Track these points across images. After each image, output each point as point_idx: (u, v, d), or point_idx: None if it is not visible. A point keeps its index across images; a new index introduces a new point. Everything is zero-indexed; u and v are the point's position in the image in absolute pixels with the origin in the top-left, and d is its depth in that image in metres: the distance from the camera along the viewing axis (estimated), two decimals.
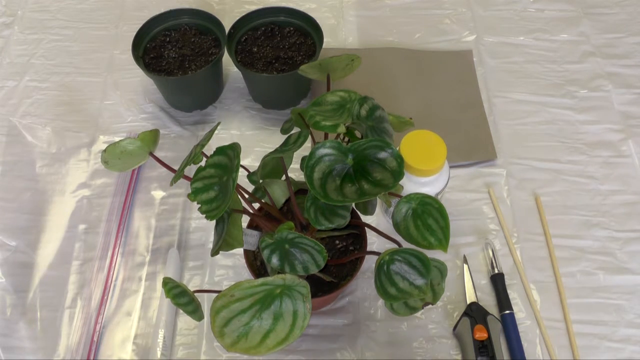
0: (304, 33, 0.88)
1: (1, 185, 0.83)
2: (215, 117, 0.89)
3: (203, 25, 0.89)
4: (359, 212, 0.66)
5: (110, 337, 0.71)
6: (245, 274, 0.75)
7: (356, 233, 0.67)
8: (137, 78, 0.94)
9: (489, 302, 0.72)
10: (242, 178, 0.77)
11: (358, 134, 0.61)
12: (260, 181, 0.65)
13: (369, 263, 0.74)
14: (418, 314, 0.72)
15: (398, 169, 0.52)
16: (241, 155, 0.53)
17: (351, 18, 1.01)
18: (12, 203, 0.81)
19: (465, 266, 0.74)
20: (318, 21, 0.87)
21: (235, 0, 1.03)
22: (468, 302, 0.71)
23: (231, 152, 0.53)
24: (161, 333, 0.69)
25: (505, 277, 0.73)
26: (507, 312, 0.70)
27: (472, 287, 0.73)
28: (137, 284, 0.74)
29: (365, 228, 0.66)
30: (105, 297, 0.73)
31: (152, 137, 0.58)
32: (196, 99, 0.89)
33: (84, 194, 0.82)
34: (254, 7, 0.89)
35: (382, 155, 0.52)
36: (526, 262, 0.75)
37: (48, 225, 0.79)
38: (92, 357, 0.69)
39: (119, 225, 0.78)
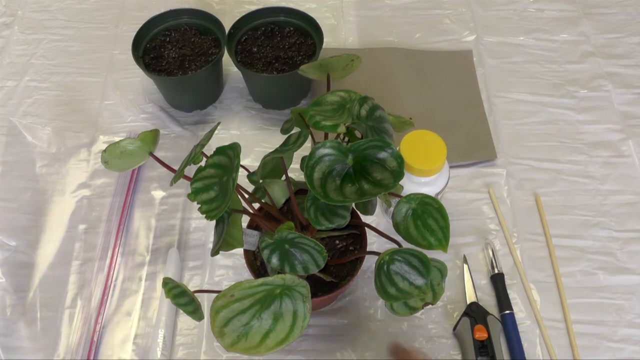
0: (304, 33, 0.88)
1: (1, 185, 0.82)
2: (215, 117, 0.89)
3: (203, 25, 0.89)
4: (359, 212, 0.66)
5: (110, 337, 0.71)
6: (245, 274, 0.75)
7: (356, 233, 0.67)
8: (137, 78, 0.94)
9: (489, 302, 0.72)
10: (242, 178, 0.77)
11: (358, 134, 0.61)
12: (260, 181, 0.65)
13: (369, 263, 0.74)
14: (418, 314, 0.72)
15: (398, 169, 0.52)
16: (241, 155, 0.53)
17: (351, 18, 1.01)
18: (12, 203, 0.81)
19: (465, 266, 0.74)
20: (318, 21, 0.87)
21: (235, 0, 1.03)
22: (468, 302, 0.71)
23: (231, 152, 0.53)
24: (161, 333, 0.69)
25: (505, 277, 0.73)
26: (507, 312, 0.70)
27: (472, 287, 0.73)
28: (137, 284, 0.74)
29: (365, 228, 0.66)
30: (105, 297, 0.73)
31: (152, 137, 0.58)
32: (196, 99, 0.89)
33: (84, 194, 0.82)
34: (254, 7, 0.89)
35: (382, 155, 0.52)
36: (526, 262, 0.75)
37: (48, 225, 0.79)
38: (92, 357, 0.69)
39: (119, 225, 0.78)
